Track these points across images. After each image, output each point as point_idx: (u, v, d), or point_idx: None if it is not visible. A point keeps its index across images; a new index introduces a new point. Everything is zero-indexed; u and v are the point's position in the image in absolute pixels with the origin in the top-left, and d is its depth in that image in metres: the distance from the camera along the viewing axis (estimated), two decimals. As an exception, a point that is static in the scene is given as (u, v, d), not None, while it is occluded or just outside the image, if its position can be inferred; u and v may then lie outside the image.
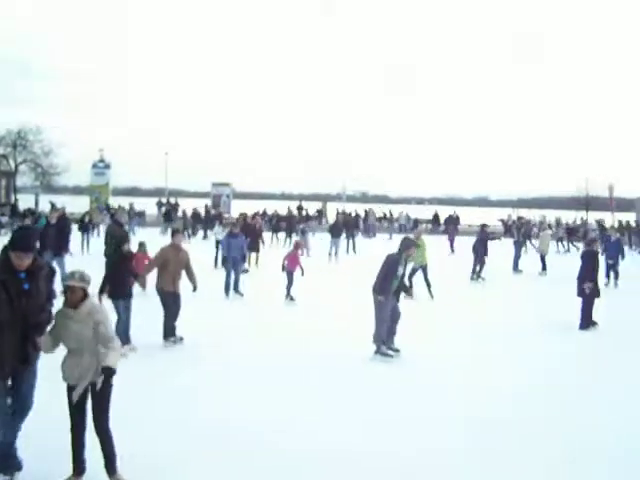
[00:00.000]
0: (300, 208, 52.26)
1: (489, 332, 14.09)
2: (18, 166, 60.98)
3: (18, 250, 5.92)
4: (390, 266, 11.49)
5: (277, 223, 41.11)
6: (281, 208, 48.38)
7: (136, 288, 12.36)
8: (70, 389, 6.07)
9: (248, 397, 9.03)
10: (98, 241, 26.61)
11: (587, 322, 14.51)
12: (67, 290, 6.00)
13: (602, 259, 17.29)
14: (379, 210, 56.28)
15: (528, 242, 30.43)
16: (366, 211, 51.17)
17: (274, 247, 33.10)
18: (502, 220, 51.66)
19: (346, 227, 32.95)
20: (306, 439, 7.54)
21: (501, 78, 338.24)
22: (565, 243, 39.86)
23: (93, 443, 6.07)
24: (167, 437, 7.47)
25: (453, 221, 46.66)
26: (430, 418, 8.38)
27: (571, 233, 42.33)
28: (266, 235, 29.94)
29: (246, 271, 20.84)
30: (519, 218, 46.59)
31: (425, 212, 61.71)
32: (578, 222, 52.42)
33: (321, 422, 8.15)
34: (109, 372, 5.90)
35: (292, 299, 17.14)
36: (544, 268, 25.59)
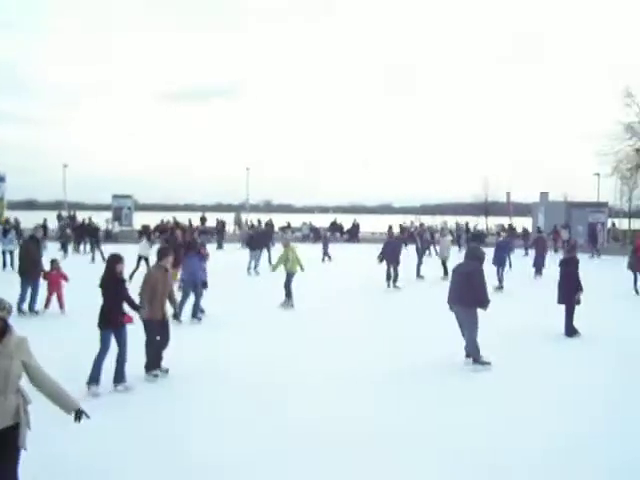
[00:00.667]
0: (203, 219, 51.70)
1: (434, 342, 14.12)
2: None
3: None
4: (483, 276, 11.86)
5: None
6: (183, 219, 47.70)
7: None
8: None
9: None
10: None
11: (572, 329, 14.78)
12: None
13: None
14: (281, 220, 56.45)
15: (431, 248, 30.92)
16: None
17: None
18: (403, 226, 52.37)
19: (264, 239, 32.39)
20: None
21: (405, 86, 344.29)
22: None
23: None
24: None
25: (355, 229, 47.05)
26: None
27: (473, 239, 43.22)
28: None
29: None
30: (420, 225, 47.34)
31: (329, 221, 61.97)
32: (480, 227, 53.70)
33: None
34: (80, 415, 5.52)
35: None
36: (446, 273, 25.94)
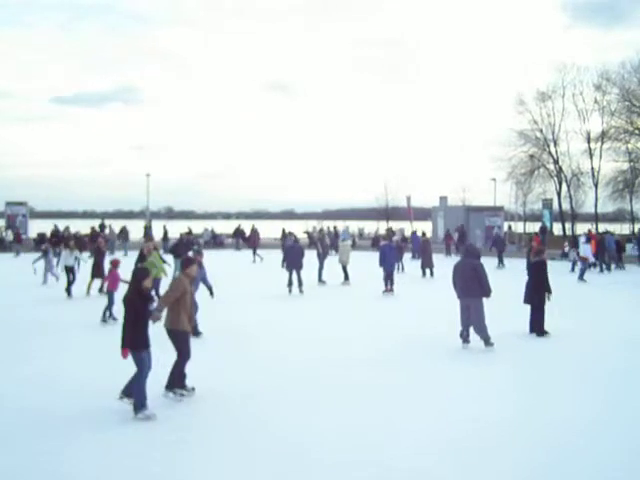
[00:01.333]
0: (102, 226, 50.44)
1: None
2: None
3: None
4: (485, 270, 13.79)
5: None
6: (84, 227, 46.58)
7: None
8: None
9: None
10: None
11: (542, 329, 15.19)
12: None
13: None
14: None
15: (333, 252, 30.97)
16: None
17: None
18: (307, 232, 52.53)
19: (187, 246, 31.02)
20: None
21: (303, 91, 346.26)
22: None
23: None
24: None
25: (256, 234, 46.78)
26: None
27: (375, 244, 43.78)
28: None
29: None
30: (320, 230, 47.59)
31: (231, 227, 61.63)
32: (382, 231, 54.36)
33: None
34: None
35: (115, 319, 16.49)
36: (346, 278, 26.07)
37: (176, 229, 53.89)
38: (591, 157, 58.28)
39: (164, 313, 10.02)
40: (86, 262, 23.65)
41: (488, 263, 34.03)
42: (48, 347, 13.98)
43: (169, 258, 25.04)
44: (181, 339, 9.90)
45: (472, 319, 13.74)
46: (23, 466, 7.34)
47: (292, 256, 23.33)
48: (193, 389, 10.03)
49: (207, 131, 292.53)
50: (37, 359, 12.74)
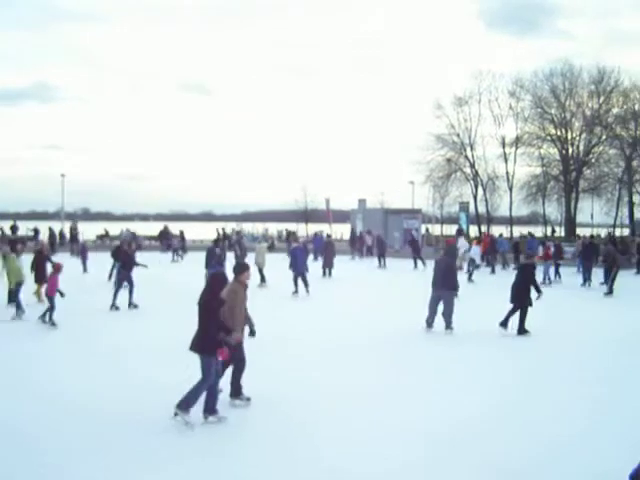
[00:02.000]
0: (14, 228, 48.98)
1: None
2: None
3: None
4: (453, 266, 16.23)
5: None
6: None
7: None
8: None
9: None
10: None
11: (523, 328, 15.70)
12: None
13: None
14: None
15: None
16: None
17: None
18: (219, 233, 52.01)
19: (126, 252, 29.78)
20: None
21: (220, 94, 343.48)
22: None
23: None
24: None
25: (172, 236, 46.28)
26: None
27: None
28: None
29: None
30: (238, 232, 47.28)
31: (150, 229, 60.65)
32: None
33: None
34: None
35: (53, 324, 16.06)
36: (263, 280, 25.84)
37: (92, 231, 52.95)
38: (506, 161, 59.85)
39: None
40: None
41: (405, 264, 35.12)
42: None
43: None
44: (237, 348, 9.46)
45: (444, 307, 15.79)
46: None
47: (212, 258, 22.98)
48: (248, 399, 9.71)
49: (125, 132, 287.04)
50: None
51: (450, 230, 60.75)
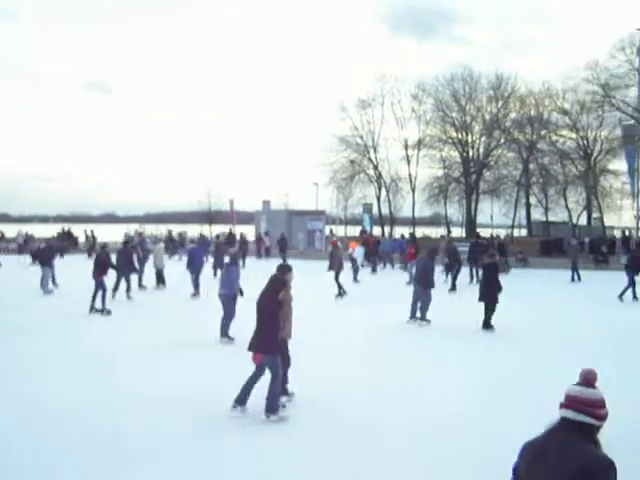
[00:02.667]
0: None
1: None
2: None
3: None
4: (430, 265, 17.51)
5: None
6: None
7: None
8: None
9: None
10: None
11: (489, 324, 16.45)
12: None
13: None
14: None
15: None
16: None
17: None
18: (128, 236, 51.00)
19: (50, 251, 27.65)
20: None
21: (125, 92, 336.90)
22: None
23: None
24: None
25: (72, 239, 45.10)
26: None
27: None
28: None
29: None
30: (139, 234, 46.30)
31: (50, 230, 58.79)
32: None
33: None
34: None
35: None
36: (161, 282, 25.35)
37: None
38: (408, 163, 60.80)
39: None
40: None
41: (310, 266, 35.18)
42: None
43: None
44: (282, 347, 9.52)
45: (420, 303, 17.28)
46: None
47: (122, 260, 22.44)
48: (293, 394, 9.96)
49: (22, 131, 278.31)
50: None
51: (354, 231, 61.19)
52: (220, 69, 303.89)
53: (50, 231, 54.54)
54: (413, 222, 62.05)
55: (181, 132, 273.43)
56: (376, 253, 35.51)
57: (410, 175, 60.88)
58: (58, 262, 28.06)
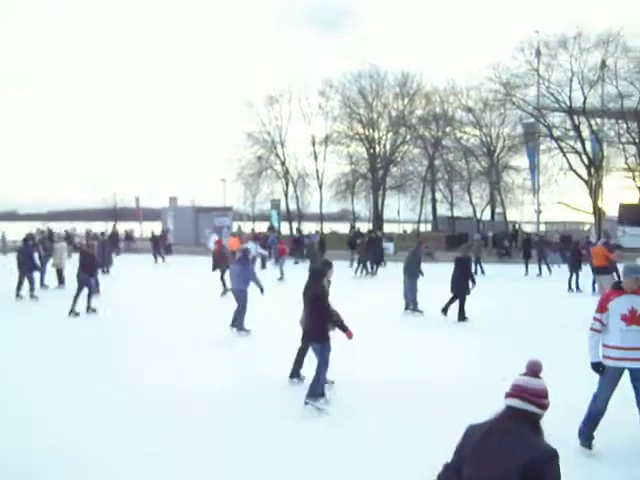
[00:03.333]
0: None
1: None
2: None
3: None
4: (417, 256, 19.28)
5: None
6: None
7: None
8: None
9: None
10: None
11: (463, 315, 17.26)
12: None
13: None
14: None
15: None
16: None
17: None
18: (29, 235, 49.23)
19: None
20: None
21: (23, 85, 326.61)
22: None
23: None
24: None
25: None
26: None
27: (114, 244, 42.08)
28: None
29: None
30: (42, 232, 44.85)
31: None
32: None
33: None
34: None
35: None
36: (61, 282, 24.52)
37: None
38: (316, 159, 60.84)
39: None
40: None
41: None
42: None
43: None
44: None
45: (408, 292, 18.53)
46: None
47: (24, 258, 21.72)
48: (333, 382, 10.10)
49: None
50: None
51: (262, 227, 60.93)
52: (126, 64, 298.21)
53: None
54: (321, 218, 62.24)
55: (86, 127, 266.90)
56: (268, 247, 35.55)
57: (317, 171, 61.01)
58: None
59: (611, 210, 52.88)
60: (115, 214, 68.63)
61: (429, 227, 67.53)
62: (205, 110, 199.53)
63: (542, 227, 54.61)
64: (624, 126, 49.65)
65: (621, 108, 47.50)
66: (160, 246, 41.95)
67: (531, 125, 50.43)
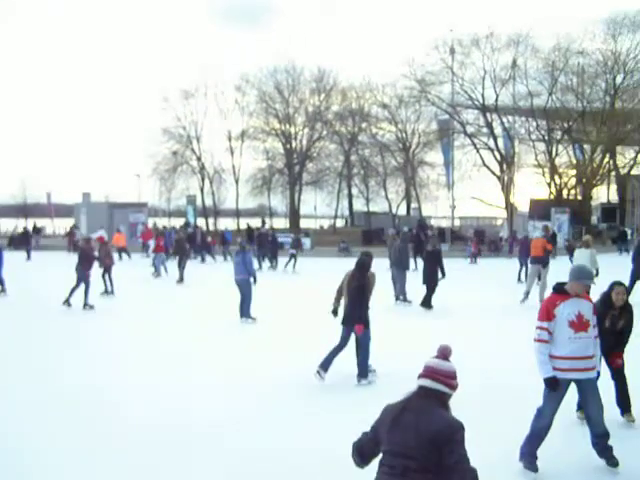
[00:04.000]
0: None
1: None
2: None
3: None
4: (406, 249, 20.10)
5: None
6: None
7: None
8: None
9: None
10: None
11: (429, 303, 17.94)
12: None
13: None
14: None
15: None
16: None
17: None
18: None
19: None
20: None
21: None
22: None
23: None
24: None
25: None
26: None
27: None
28: None
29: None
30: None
31: None
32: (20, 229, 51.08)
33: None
34: None
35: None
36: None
37: None
38: (232, 155, 60.47)
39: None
40: None
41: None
42: None
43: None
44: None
45: (397, 283, 18.99)
46: None
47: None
48: (374, 371, 10.52)
49: None
50: None
51: (178, 223, 60.16)
52: (38, 55, 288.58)
53: None
54: (237, 213, 61.91)
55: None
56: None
57: (234, 166, 60.63)
58: None
59: (523, 205, 54.51)
60: (25, 210, 66.47)
61: (346, 222, 67.98)
62: (121, 104, 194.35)
63: (457, 222, 55.79)
64: (534, 124, 51.35)
65: (531, 106, 49.03)
66: (70, 243, 40.83)
67: (445, 122, 51.42)
